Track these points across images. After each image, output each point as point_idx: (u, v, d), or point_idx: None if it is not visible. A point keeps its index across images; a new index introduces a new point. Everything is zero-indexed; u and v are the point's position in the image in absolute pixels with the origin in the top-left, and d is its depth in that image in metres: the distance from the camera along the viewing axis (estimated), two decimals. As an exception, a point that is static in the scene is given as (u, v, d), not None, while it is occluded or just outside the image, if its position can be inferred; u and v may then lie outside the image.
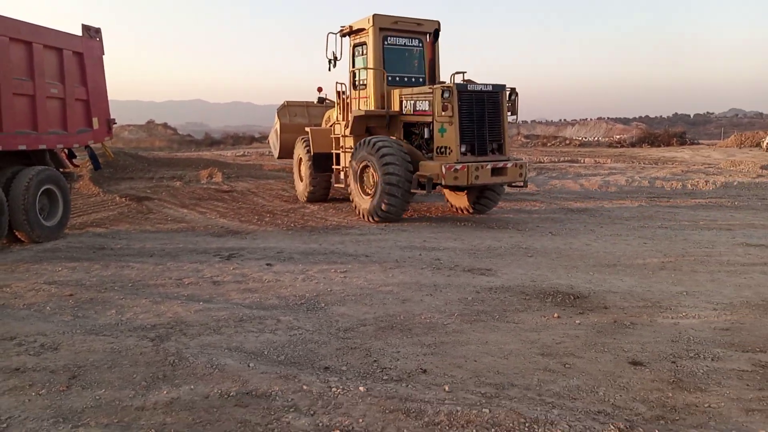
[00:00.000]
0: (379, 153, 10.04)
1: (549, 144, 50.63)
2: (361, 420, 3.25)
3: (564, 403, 3.57)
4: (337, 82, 11.67)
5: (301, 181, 13.13)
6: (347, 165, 11.18)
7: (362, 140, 10.57)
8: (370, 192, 10.50)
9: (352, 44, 11.52)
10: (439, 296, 5.92)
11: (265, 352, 4.31)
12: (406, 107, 10.79)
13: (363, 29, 11.04)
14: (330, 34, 11.31)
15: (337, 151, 11.86)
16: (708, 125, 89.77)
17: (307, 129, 12.64)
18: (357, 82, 11.50)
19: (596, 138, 58.34)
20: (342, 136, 11.61)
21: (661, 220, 10.67)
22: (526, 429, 3.18)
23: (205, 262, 7.38)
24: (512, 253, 8.04)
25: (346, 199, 12.23)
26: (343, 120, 11.45)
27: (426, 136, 10.50)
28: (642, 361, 4.24)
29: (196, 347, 4.34)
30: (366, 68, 11.10)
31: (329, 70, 11.43)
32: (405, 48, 11.32)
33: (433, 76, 11.19)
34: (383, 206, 10.07)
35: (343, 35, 11.53)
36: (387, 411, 3.37)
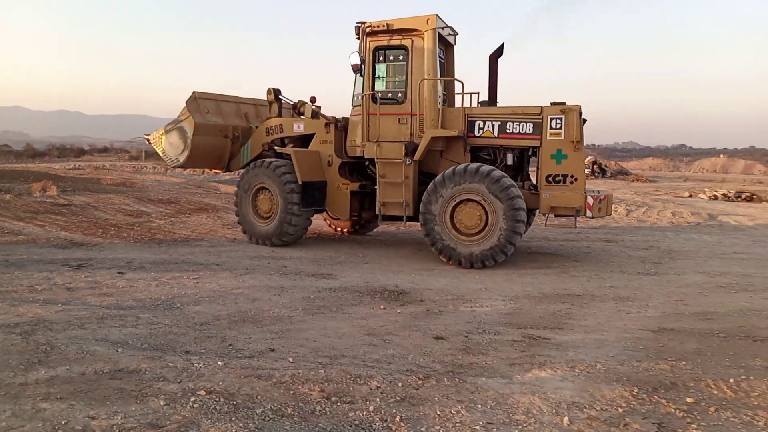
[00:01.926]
0: (504, 188, 8.59)
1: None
2: (221, 383, 4.04)
3: (382, 365, 4.63)
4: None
5: (263, 217, 10.35)
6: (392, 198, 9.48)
7: (456, 168, 8.81)
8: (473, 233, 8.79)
9: (376, 47, 9.51)
10: (285, 296, 6.79)
11: (130, 342, 4.89)
12: (482, 129, 9.31)
13: (414, 30, 9.25)
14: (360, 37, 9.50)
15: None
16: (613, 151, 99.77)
17: (289, 150, 10.21)
18: (386, 95, 9.62)
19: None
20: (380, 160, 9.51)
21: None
22: (351, 381, 4.18)
23: (55, 271, 7.55)
24: (351, 261, 9.13)
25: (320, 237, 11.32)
26: (366, 140, 9.60)
27: (512, 162, 9.51)
28: (443, 336, 5.46)
29: (64, 339, 4.80)
30: (406, 78, 9.40)
31: (361, 74, 9.63)
32: (440, 60, 9.86)
33: (494, 96, 9.86)
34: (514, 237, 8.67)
35: (372, 34, 9.44)
36: (242, 377, 4.18)
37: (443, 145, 9.45)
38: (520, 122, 9.12)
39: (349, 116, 10.34)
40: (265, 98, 11.49)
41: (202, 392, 3.85)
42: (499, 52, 9.77)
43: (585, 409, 3.89)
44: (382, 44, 9.46)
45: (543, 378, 4.45)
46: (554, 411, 3.84)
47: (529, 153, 9.61)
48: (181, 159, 11.08)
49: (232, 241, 10.59)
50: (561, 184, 8.95)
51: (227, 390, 3.93)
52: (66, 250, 9.19)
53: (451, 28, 10.13)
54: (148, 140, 11.80)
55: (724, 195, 23.99)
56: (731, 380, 4.51)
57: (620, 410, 3.90)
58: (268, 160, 10.38)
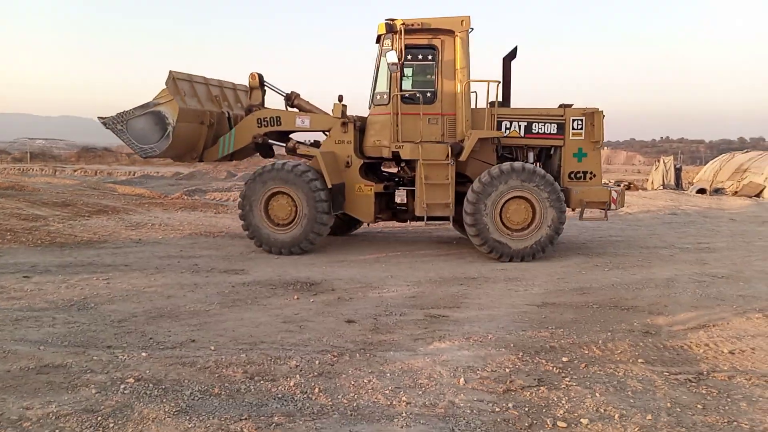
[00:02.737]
0: (551, 184, 9.10)
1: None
2: (147, 371, 4.29)
3: (299, 348, 5.04)
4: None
5: (279, 225, 9.66)
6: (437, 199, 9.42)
7: (502, 167, 9.10)
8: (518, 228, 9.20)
9: (406, 45, 9.32)
10: (199, 291, 7.00)
11: (50, 340, 4.99)
12: (510, 128, 9.67)
13: (447, 30, 9.34)
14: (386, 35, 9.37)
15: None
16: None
17: (315, 152, 9.75)
18: (415, 95, 9.47)
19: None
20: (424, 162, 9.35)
21: (380, 227, 13.01)
22: (272, 362, 4.57)
23: (-48, 279, 7.31)
24: (262, 256, 9.40)
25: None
26: (395, 140, 9.46)
27: (534, 160, 9.98)
28: (354, 320, 5.94)
29: (-20, 341, 4.83)
30: (435, 77, 9.48)
31: (402, 74, 9.49)
32: None
33: (508, 97, 10.05)
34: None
35: (399, 32, 9.25)
36: (167, 365, 4.45)
37: (476, 145, 9.46)
38: (545, 123, 9.70)
39: (368, 115, 10.04)
40: (247, 83, 10.67)
41: (131, 380, 4.09)
42: (512, 54, 10.04)
43: (478, 372, 4.50)
44: (413, 43, 9.37)
45: (443, 348, 5.04)
46: (452, 374, 4.43)
47: (551, 152, 10.05)
48: (158, 149, 9.83)
49: (137, 242, 10.50)
50: (582, 180, 9.69)
51: (155, 377, 4.20)
52: (-41, 257, 8.81)
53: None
54: (104, 123, 10.12)
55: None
56: (600, 342, 5.32)
57: (507, 370, 4.55)
58: (287, 163, 9.64)
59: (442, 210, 9.46)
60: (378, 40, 9.82)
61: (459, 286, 7.53)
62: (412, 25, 9.23)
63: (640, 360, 4.88)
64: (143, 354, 4.66)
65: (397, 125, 9.46)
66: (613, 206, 9.66)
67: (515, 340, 5.32)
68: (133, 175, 29.58)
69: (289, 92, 10.72)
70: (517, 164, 9.17)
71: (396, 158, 9.98)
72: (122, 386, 3.98)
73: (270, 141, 10.43)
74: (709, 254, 9.80)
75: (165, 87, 9.71)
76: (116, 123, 9.96)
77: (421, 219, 9.73)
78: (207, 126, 10.24)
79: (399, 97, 9.38)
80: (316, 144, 10.60)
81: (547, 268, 8.70)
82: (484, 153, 9.71)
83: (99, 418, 3.54)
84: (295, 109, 10.67)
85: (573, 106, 9.80)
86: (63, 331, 5.27)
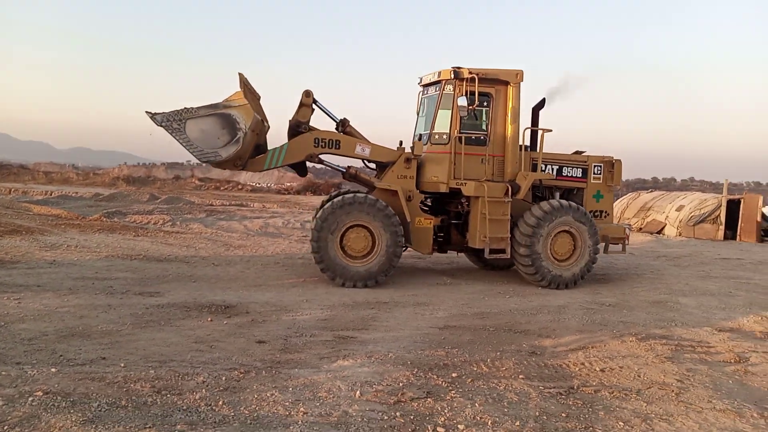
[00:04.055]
0: (588, 217, 10.40)
1: (222, 188, 52.73)
2: (56, 385, 4.45)
3: (207, 365, 5.30)
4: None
5: (354, 257, 9.75)
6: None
7: (553, 203, 10.19)
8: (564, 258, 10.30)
9: (475, 92, 9.97)
10: (113, 312, 7.10)
11: (-45, 357, 5.03)
12: (544, 170, 10.77)
13: (504, 82, 10.33)
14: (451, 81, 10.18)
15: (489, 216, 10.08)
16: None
17: (397, 187, 10.05)
18: (471, 137, 10.30)
19: (268, 184, 62.58)
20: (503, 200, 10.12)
21: (303, 253, 13.33)
22: (179, 378, 4.82)
23: None
24: (178, 279, 9.52)
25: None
26: (452, 177, 10.19)
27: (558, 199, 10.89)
28: (265, 340, 6.25)
29: None
30: (488, 121, 10.41)
31: (475, 117, 10.31)
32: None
33: (535, 143, 10.92)
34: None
35: (465, 79, 10.07)
36: (76, 380, 4.62)
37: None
38: (572, 167, 11.16)
39: (423, 153, 10.42)
40: (301, 99, 10.37)
41: (39, 393, 4.25)
42: (540, 104, 11.06)
43: (374, 385, 4.92)
44: (472, 90, 9.99)
45: (345, 366, 5.44)
46: (350, 388, 4.83)
47: (573, 192, 11.29)
48: (224, 154, 9.23)
49: (51, 263, 10.36)
50: (598, 218, 11.07)
51: (63, 390, 4.37)
52: None
53: None
54: (153, 118, 9.35)
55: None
56: (488, 360, 5.88)
57: (401, 384, 5.00)
58: (367, 197, 9.80)
59: (499, 243, 10.17)
60: (431, 84, 10.86)
61: (370, 309, 7.97)
62: (479, 74, 10.06)
63: (521, 376, 5.44)
64: (53, 369, 4.80)
65: (455, 163, 10.24)
66: (627, 242, 11.34)
67: (413, 358, 5.78)
68: (50, 194, 28.46)
69: (342, 118, 10.81)
70: (556, 202, 10.32)
71: (452, 194, 10.49)
72: (30, 399, 4.14)
73: (326, 163, 10.53)
74: (602, 285, 10.71)
75: (239, 90, 9.35)
76: (171, 120, 9.26)
77: (464, 250, 10.86)
78: (256, 134, 9.84)
79: (459, 137, 10.19)
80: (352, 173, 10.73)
81: (454, 293, 9.29)
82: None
83: (5, 427, 3.71)
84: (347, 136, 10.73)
85: (586, 153, 11.35)
86: (-31, 349, 5.30)
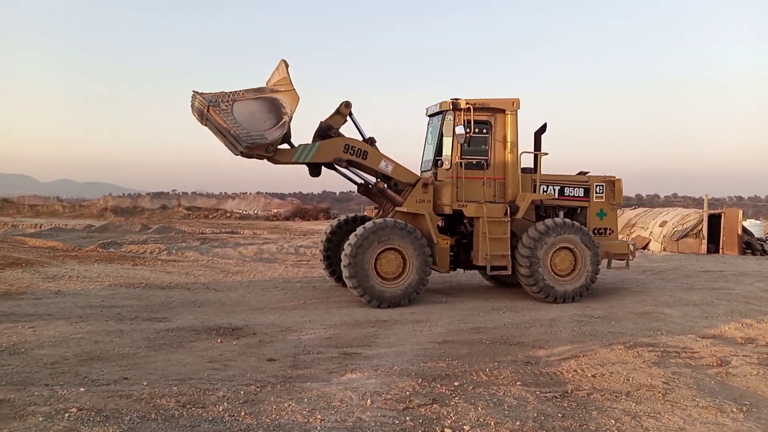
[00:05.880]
0: (592, 239, 10.84)
1: (211, 216, 52.92)
2: (88, 403, 4.76)
3: (225, 382, 5.63)
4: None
5: (385, 279, 10.13)
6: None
7: (555, 221, 10.73)
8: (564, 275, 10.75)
9: (471, 120, 10.55)
10: (126, 337, 7.41)
11: (-14, 381, 5.32)
12: (546, 191, 11.42)
13: (501, 110, 10.90)
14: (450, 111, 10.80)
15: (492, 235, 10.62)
16: (350, 202, 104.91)
17: (425, 211, 10.75)
18: (471, 162, 10.89)
19: (255, 211, 62.75)
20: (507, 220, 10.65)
21: (300, 277, 13.68)
22: (201, 393, 5.15)
23: None
24: (183, 305, 9.82)
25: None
26: (456, 200, 10.72)
27: (562, 218, 11.30)
28: (275, 358, 6.59)
29: None
30: (488, 147, 10.93)
31: (474, 143, 10.84)
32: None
33: (537, 165, 11.43)
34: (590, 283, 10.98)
35: (468, 110, 10.58)
36: (105, 398, 4.94)
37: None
38: (574, 187, 11.68)
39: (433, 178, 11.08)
40: (339, 107, 10.80)
41: (74, 409, 4.57)
42: (542, 129, 11.61)
43: (383, 395, 5.29)
44: (469, 118, 10.56)
45: (354, 378, 5.80)
46: (361, 397, 5.19)
47: (577, 211, 11.77)
48: (270, 137, 9.31)
49: (56, 293, 10.62)
50: (603, 235, 11.62)
51: (95, 407, 4.69)
52: None
53: None
54: (201, 97, 9.28)
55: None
56: (487, 370, 6.25)
57: (408, 393, 5.36)
58: (397, 221, 10.24)
59: (500, 260, 10.68)
60: (434, 114, 11.64)
61: (371, 327, 8.32)
62: (474, 104, 10.69)
63: (518, 383, 5.83)
64: (81, 389, 5.11)
65: (457, 187, 10.80)
66: (631, 257, 11.72)
67: (416, 369, 6.15)
68: (41, 227, 28.58)
69: (370, 137, 11.23)
70: (562, 220, 10.86)
71: (455, 215, 11.07)
72: (66, 415, 4.46)
73: (346, 172, 11.05)
74: (591, 298, 11.13)
75: (286, 75, 9.54)
76: (220, 101, 9.24)
77: (475, 268, 11.19)
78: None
79: (460, 163, 10.79)
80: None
81: (450, 311, 9.68)
82: (527, 211, 11.13)
83: (49, 440, 4.03)
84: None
85: (589, 173, 11.84)
86: (-2, 374, 5.60)
